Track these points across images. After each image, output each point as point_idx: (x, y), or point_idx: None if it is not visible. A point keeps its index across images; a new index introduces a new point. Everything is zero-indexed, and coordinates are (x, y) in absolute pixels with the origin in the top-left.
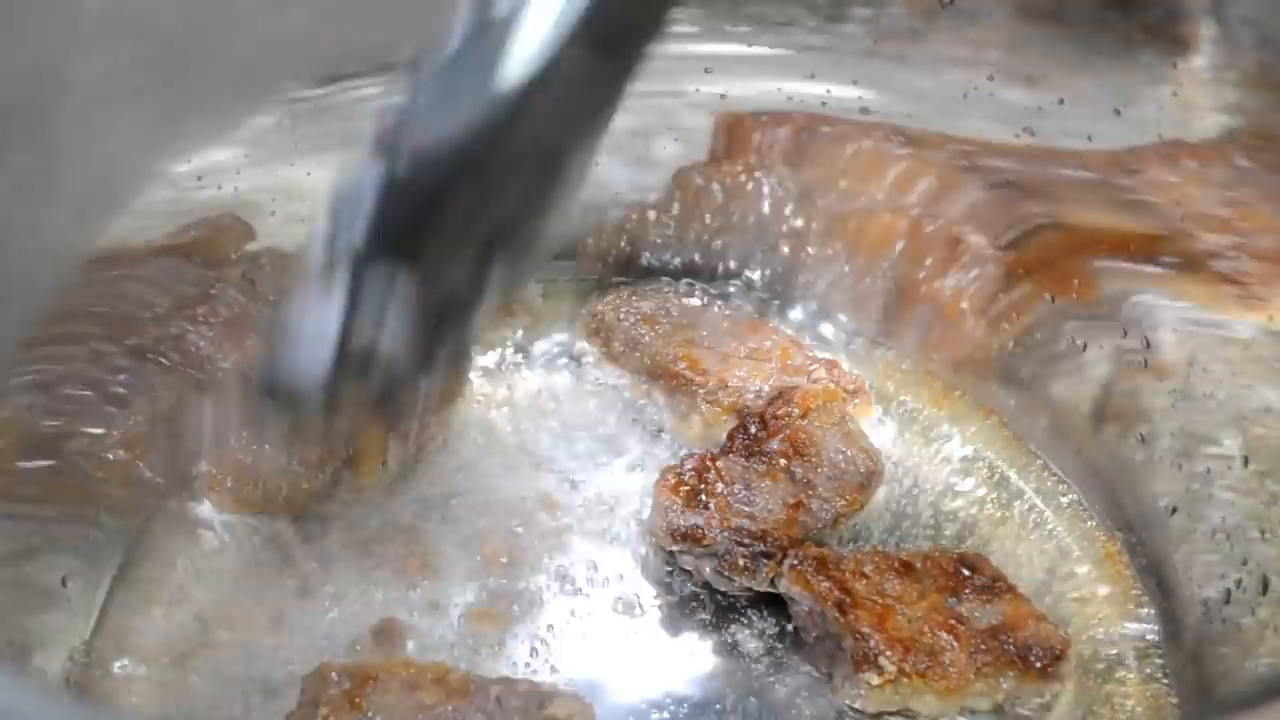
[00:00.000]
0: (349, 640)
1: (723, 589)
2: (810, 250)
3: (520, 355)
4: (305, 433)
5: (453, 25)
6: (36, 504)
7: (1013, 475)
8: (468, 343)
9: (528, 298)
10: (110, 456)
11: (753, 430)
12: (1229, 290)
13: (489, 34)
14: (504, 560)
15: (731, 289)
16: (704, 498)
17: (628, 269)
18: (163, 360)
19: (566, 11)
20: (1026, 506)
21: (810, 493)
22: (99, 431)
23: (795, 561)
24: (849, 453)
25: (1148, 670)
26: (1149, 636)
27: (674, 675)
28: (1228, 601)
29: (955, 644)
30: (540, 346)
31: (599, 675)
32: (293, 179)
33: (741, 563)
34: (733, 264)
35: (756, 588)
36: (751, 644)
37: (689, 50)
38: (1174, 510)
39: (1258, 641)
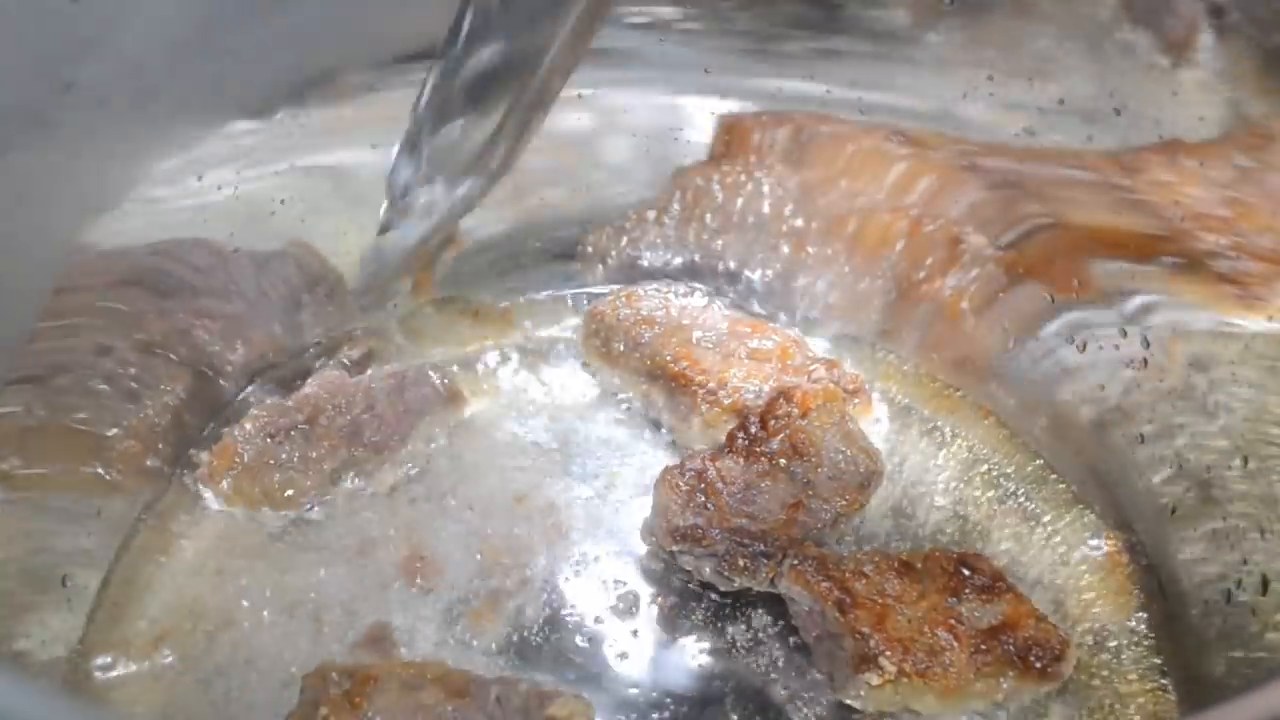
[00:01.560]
0: (349, 640)
1: (722, 589)
2: (810, 250)
3: (520, 355)
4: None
5: None
6: (41, 496)
7: (1012, 475)
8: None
9: (528, 298)
10: (120, 447)
11: (753, 430)
12: (1228, 290)
13: None
14: (504, 560)
15: (732, 290)
16: (704, 498)
17: (628, 270)
18: (171, 356)
19: None
20: (1026, 506)
21: (810, 493)
22: (107, 422)
23: (795, 561)
24: (849, 453)
25: (1147, 668)
26: (1149, 635)
27: (674, 674)
28: (1228, 601)
29: (955, 644)
30: (540, 347)
31: (599, 675)
32: (293, 178)
33: (741, 563)
34: (733, 264)
35: (756, 587)
36: (751, 644)
37: (689, 50)
38: (1174, 510)
39: (1257, 640)
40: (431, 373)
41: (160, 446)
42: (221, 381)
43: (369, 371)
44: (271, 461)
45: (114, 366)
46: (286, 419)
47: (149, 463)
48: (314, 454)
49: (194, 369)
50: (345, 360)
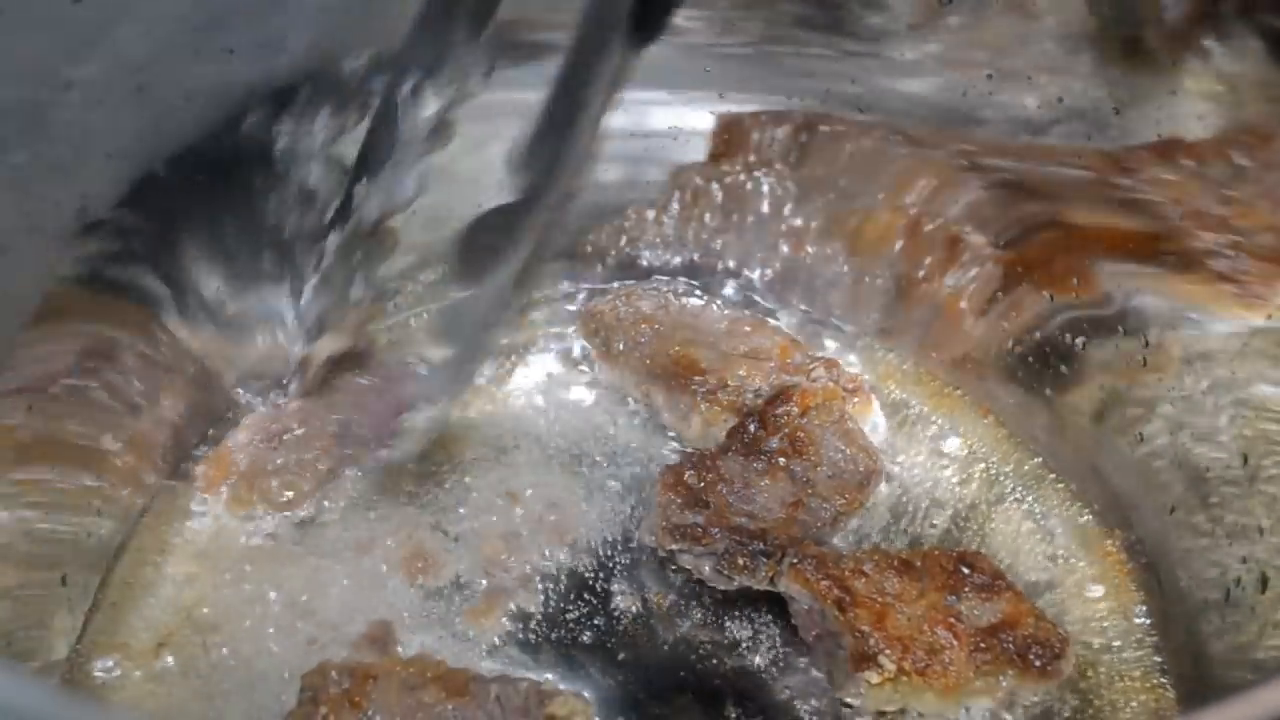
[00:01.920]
0: (348, 639)
1: (722, 587)
2: (809, 250)
3: (520, 355)
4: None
5: None
6: (39, 503)
7: (1011, 474)
8: None
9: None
10: (119, 463)
11: (752, 429)
12: (1227, 288)
13: None
14: (503, 558)
15: (731, 289)
16: (704, 496)
17: (627, 269)
18: (170, 363)
19: None
20: (1025, 505)
21: (809, 491)
22: (104, 432)
23: (794, 560)
24: (848, 451)
25: (1148, 667)
26: (1149, 634)
27: (673, 673)
28: (1227, 599)
29: (955, 642)
30: (540, 347)
31: (598, 673)
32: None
33: (741, 561)
34: (732, 264)
35: (756, 586)
36: (751, 643)
37: (688, 50)
38: (1174, 509)
39: (1257, 638)
40: (423, 370)
41: (158, 456)
42: (219, 389)
43: (359, 371)
44: (268, 467)
45: (112, 375)
46: (279, 424)
47: (146, 473)
48: (309, 456)
49: (192, 376)
50: (337, 361)
